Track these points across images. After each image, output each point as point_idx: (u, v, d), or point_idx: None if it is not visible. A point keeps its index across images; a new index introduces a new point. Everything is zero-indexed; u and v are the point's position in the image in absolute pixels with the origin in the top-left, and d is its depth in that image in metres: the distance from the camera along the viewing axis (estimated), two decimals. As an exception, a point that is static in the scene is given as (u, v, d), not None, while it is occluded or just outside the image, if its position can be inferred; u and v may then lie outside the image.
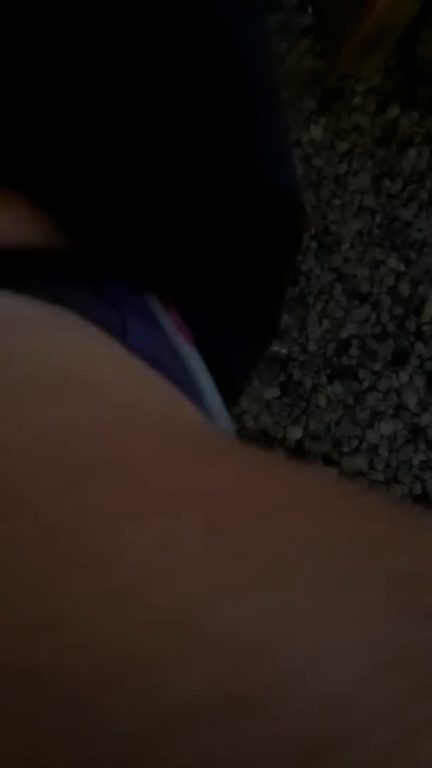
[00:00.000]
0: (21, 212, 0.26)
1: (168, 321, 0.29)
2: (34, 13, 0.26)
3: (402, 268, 1.11)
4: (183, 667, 0.10)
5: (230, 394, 0.31)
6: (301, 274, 1.08)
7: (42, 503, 0.13)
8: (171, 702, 0.10)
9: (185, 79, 0.29)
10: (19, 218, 0.26)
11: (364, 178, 1.12)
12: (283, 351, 1.06)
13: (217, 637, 0.10)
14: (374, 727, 0.09)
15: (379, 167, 1.12)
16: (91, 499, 0.13)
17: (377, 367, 1.09)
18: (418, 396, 1.10)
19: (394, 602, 0.10)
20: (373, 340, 1.10)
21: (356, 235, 1.11)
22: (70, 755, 0.10)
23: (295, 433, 1.06)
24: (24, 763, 0.10)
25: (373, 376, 1.09)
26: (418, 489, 1.06)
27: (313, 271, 1.09)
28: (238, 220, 0.31)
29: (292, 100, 1.10)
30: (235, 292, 0.32)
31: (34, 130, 0.26)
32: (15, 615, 0.11)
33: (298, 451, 1.04)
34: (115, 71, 0.27)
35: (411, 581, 0.11)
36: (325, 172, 1.11)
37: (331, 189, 1.11)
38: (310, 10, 1.08)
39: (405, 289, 1.11)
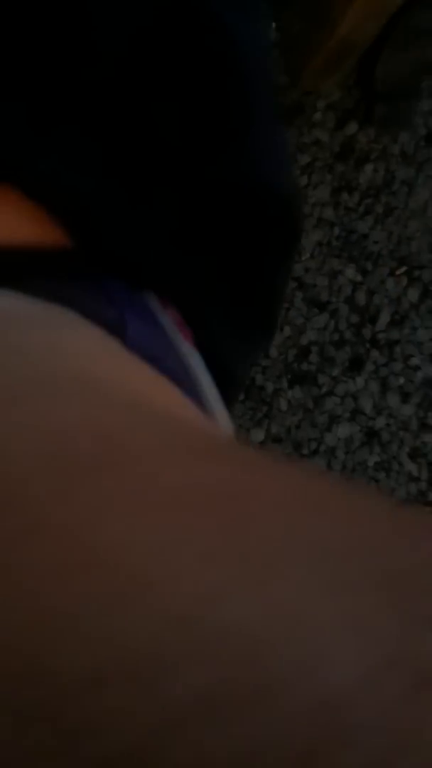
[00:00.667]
0: (20, 211, 0.26)
1: (167, 320, 0.29)
2: (33, 13, 0.26)
3: (359, 278, 1.16)
4: (184, 666, 0.10)
5: (230, 392, 0.31)
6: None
7: (41, 502, 0.13)
8: (172, 701, 0.10)
9: (183, 80, 0.29)
10: (18, 217, 0.26)
11: (324, 191, 1.16)
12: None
13: (217, 636, 0.10)
14: (373, 728, 0.09)
15: (338, 181, 1.17)
16: (90, 498, 0.13)
17: (335, 372, 1.14)
18: (373, 401, 1.15)
19: (393, 602, 0.10)
20: (332, 347, 1.14)
21: (316, 246, 1.15)
22: (70, 754, 0.10)
23: (258, 436, 1.10)
24: (24, 763, 0.10)
25: (331, 381, 1.14)
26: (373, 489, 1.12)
27: (275, 280, 1.12)
28: (237, 220, 0.31)
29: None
30: (234, 291, 0.33)
31: (34, 130, 0.26)
32: (15, 614, 0.11)
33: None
34: (114, 71, 0.28)
35: (410, 580, 0.11)
36: (286, 184, 1.14)
37: (292, 200, 1.14)
38: (273, 26, 1.11)
39: (361, 299, 1.16)
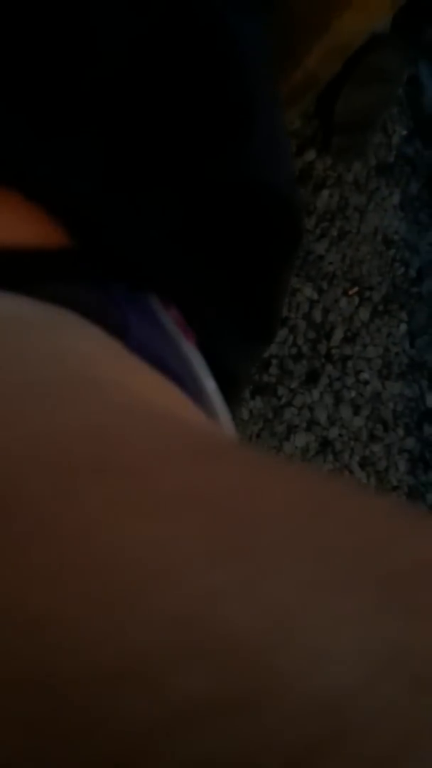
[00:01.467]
0: (22, 213, 0.26)
1: (169, 320, 0.29)
2: (34, 16, 0.26)
3: (315, 296, 1.23)
4: (182, 668, 0.10)
5: (231, 393, 0.31)
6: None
7: (42, 504, 0.13)
8: (171, 702, 0.10)
9: (185, 82, 0.29)
10: (20, 219, 0.26)
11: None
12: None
13: (217, 637, 0.10)
14: (373, 727, 0.09)
15: (297, 204, 1.23)
16: (91, 499, 0.13)
17: (293, 384, 1.20)
18: (327, 412, 1.21)
19: (394, 601, 0.10)
20: (290, 360, 1.20)
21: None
22: (70, 755, 0.10)
23: (221, 444, 1.14)
24: (24, 763, 0.10)
25: (289, 393, 1.19)
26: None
27: (238, 295, 1.17)
28: (238, 221, 0.31)
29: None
30: (235, 292, 0.33)
31: (35, 133, 0.26)
32: (14, 615, 0.11)
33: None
34: (115, 73, 0.27)
35: (410, 580, 0.11)
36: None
37: (255, 221, 1.20)
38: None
39: (317, 316, 1.23)
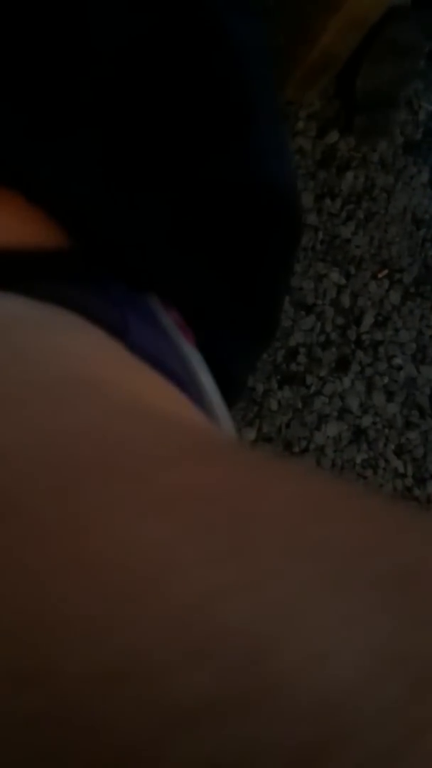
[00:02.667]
0: (22, 215, 0.26)
1: (169, 321, 0.29)
2: (33, 19, 0.27)
3: (343, 281, 1.20)
4: (182, 668, 0.10)
5: (231, 393, 0.31)
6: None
7: (42, 505, 0.13)
8: (172, 701, 0.10)
9: (184, 81, 0.29)
10: (20, 221, 0.26)
11: (307, 198, 1.19)
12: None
13: (217, 636, 0.10)
14: (374, 727, 0.09)
15: (321, 187, 1.21)
16: (91, 500, 0.13)
17: (322, 373, 1.17)
18: (359, 399, 1.18)
19: (393, 601, 0.11)
20: (319, 348, 1.17)
21: (301, 251, 1.18)
22: (73, 755, 0.10)
23: (249, 435, 1.12)
24: (25, 763, 0.10)
25: (318, 382, 1.17)
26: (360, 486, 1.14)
27: (262, 284, 1.15)
28: (238, 220, 0.31)
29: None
30: (235, 292, 0.33)
31: (35, 135, 0.26)
32: (15, 615, 0.11)
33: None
34: (114, 74, 0.28)
35: (410, 580, 0.11)
36: (271, 191, 1.17)
37: (277, 207, 1.17)
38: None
39: (346, 301, 1.20)
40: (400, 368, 1.21)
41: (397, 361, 1.21)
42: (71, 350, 0.20)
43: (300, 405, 1.15)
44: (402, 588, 0.11)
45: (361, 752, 0.09)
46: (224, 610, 0.10)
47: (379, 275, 1.22)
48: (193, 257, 0.30)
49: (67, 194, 0.27)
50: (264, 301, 0.35)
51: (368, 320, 1.20)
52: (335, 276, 1.19)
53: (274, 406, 1.14)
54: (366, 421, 1.18)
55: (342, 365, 1.18)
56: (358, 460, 1.16)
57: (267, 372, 1.15)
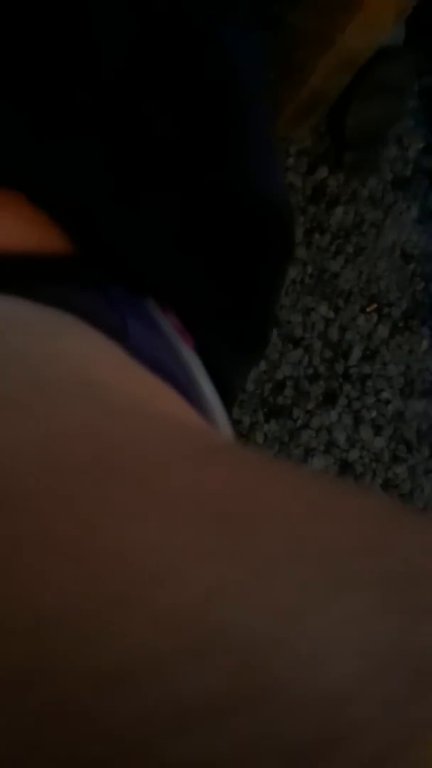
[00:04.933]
0: (23, 217, 0.26)
1: (168, 324, 0.29)
2: (34, 22, 0.27)
3: (331, 315, 1.20)
4: (183, 667, 0.10)
5: (225, 400, 0.31)
6: (240, 319, 1.14)
7: (43, 506, 0.13)
8: (171, 702, 0.10)
9: (181, 88, 0.29)
10: (21, 223, 0.27)
11: (297, 232, 1.20)
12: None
13: (216, 637, 0.10)
14: (372, 727, 0.09)
15: (310, 222, 1.21)
16: (91, 501, 0.13)
17: (309, 406, 1.17)
18: (346, 433, 1.18)
19: (392, 601, 0.11)
20: (306, 381, 1.18)
21: (290, 284, 1.19)
22: (70, 754, 0.10)
23: (235, 469, 1.12)
24: (25, 762, 0.10)
25: (306, 415, 1.17)
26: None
27: (251, 316, 1.15)
28: (233, 228, 0.32)
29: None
30: (230, 299, 0.33)
31: (37, 138, 0.27)
32: (15, 615, 0.11)
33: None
34: (114, 79, 0.28)
35: (409, 580, 0.11)
36: (261, 225, 1.18)
37: (267, 240, 1.18)
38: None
39: (334, 335, 1.20)
40: (387, 402, 1.21)
41: (385, 395, 1.21)
42: (72, 352, 0.20)
43: (287, 438, 1.15)
44: (401, 588, 0.11)
45: (360, 751, 0.09)
46: (224, 610, 0.10)
47: (368, 309, 1.22)
48: (189, 262, 0.31)
49: (71, 197, 0.27)
50: (258, 310, 0.35)
51: (356, 354, 1.20)
52: (324, 310, 1.20)
53: (260, 439, 1.14)
54: (353, 455, 1.18)
55: (329, 399, 1.18)
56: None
57: (254, 405, 1.15)
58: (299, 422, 1.16)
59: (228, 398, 0.33)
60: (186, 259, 0.30)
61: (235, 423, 1.14)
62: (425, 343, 1.24)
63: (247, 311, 0.34)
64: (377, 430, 1.20)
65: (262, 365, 1.16)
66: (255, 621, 0.10)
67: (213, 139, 0.30)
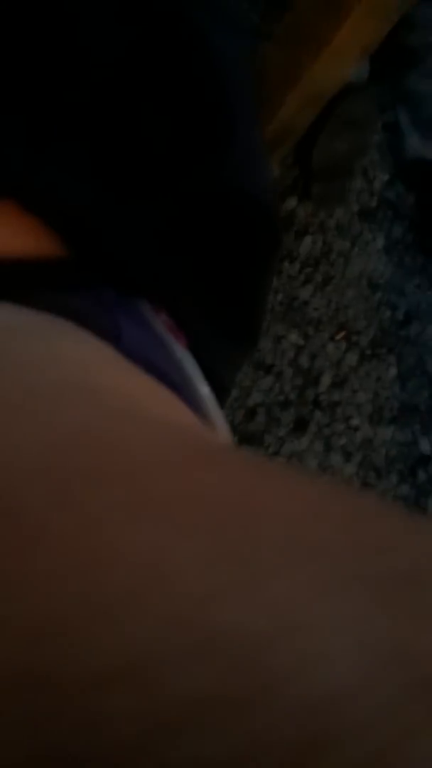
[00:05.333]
0: (13, 221, 0.27)
1: (161, 325, 0.29)
2: (25, 31, 0.27)
3: (301, 342, 1.22)
4: (181, 668, 0.10)
5: (220, 396, 0.31)
6: (212, 347, 1.15)
7: (40, 509, 0.13)
8: (170, 702, 0.10)
9: (170, 95, 0.29)
10: (15, 230, 0.27)
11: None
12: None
13: (214, 638, 0.10)
14: (370, 727, 0.09)
15: (280, 251, 1.23)
16: (88, 504, 0.13)
17: (281, 432, 1.18)
18: (317, 460, 1.19)
19: (389, 602, 0.11)
20: (277, 408, 1.19)
21: (260, 312, 1.20)
22: (70, 755, 0.10)
23: (208, 496, 1.12)
24: (24, 763, 0.10)
25: (277, 441, 1.17)
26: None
27: (222, 344, 1.16)
28: (221, 227, 0.32)
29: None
30: (220, 297, 0.33)
31: (30, 145, 0.27)
32: (14, 616, 0.11)
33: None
34: (104, 85, 0.28)
35: (406, 581, 0.11)
36: (231, 254, 1.20)
37: (237, 269, 1.20)
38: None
39: (304, 362, 1.22)
40: (357, 429, 1.23)
41: (354, 421, 1.23)
42: (67, 356, 0.20)
43: (258, 465, 1.16)
44: (399, 588, 0.11)
45: (357, 752, 0.09)
46: (221, 611, 0.10)
47: (337, 337, 1.24)
48: (181, 262, 0.31)
49: (62, 202, 0.27)
50: (249, 304, 0.36)
51: (326, 381, 1.22)
52: (294, 337, 1.21)
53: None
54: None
55: (300, 425, 1.19)
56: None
57: (226, 432, 1.15)
58: (271, 449, 1.17)
59: (222, 393, 0.33)
60: (176, 258, 0.31)
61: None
62: (393, 371, 1.27)
63: (238, 306, 0.35)
64: (347, 456, 1.21)
65: (234, 392, 1.17)
66: (253, 621, 0.10)
67: (201, 138, 0.31)
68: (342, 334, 1.25)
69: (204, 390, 0.29)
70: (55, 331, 0.22)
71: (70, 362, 0.19)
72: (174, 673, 0.10)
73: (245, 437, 1.16)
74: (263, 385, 1.19)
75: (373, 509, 0.13)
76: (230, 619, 0.10)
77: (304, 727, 0.09)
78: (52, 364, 0.19)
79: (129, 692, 0.10)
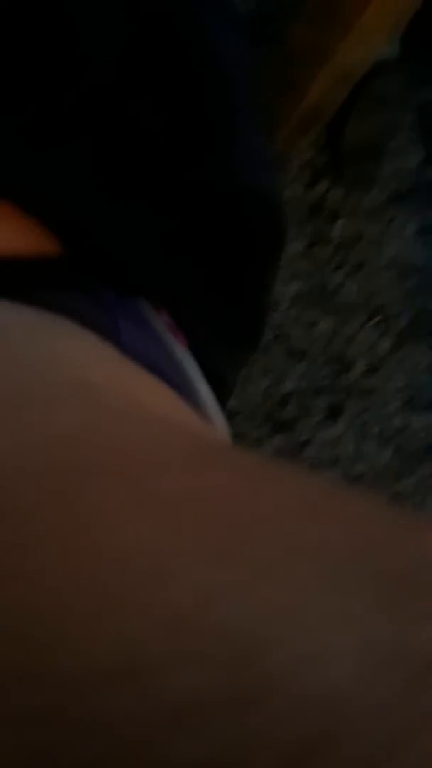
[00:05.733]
0: (15, 223, 0.27)
1: (160, 324, 0.29)
2: (21, 31, 0.27)
3: (334, 328, 1.20)
4: (180, 667, 0.10)
5: (220, 396, 0.31)
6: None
7: (40, 507, 0.13)
8: (169, 702, 0.10)
9: (169, 91, 0.29)
10: (13, 230, 0.27)
11: (298, 245, 1.20)
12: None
13: (213, 637, 0.10)
14: (369, 726, 0.09)
15: (311, 236, 1.22)
16: (85, 503, 0.13)
17: (314, 420, 1.16)
18: (351, 448, 1.17)
19: (389, 602, 0.11)
20: (310, 396, 1.17)
21: (293, 298, 1.19)
22: (69, 755, 0.10)
23: (240, 484, 1.11)
24: (25, 763, 0.10)
25: (310, 429, 1.16)
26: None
27: (253, 331, 1.15)
28: (222, 225, 0.32)
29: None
30: (222, 295, 0.33)
31: (28, 145, 0.27)
32: (13, 615, 0.11)
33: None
34: (103, 85, 0.28)
35: (406, 582, 0.11)
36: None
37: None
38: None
39: (337, 348, 1.20)
40: (391, 416, 1.20)
41: (389, 409, 1.20)
42: (66, 355, 0.20)
43: (292, 453, 1.14)
44: (397, 588, 0.11)
45: (355, 750, 0.09)
46: (220, 610, 0.10)
47: (370, 323, 1.22)
48: (180, 261, 0.30)
49: (60, 203, 0.27)
50: (251, 303, 0.35)
51: (360, 368, 1.20)
52: (326, 323, 1.19)
53: (266, 453, 1.13)
54: (358, 468, 1.17)
55: (334, 413, 1.17)
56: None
57: (259, 419, 1.14)
58: (304, 436, 1.15)
59: (224, 393, 0.33)
60: (176, 258, 0.30)
61: (241, 437, 1.13)
62: (427, 357, 1.24)
63: (239, 306, 0.34)
64: (382, 444, 1.19)
65: (266, 380, 1.16)
66: (252, 621, 0.10)
67: (201, 136, 0.30)
68: (376, 319, 1.22)
69: (203, 389, 0.29)
70: (54, 329, 0.22)
71: (69, 361, 0.19)
72: (171, 671, 0.10)
73: (278, 425, 1.15)
74: (295, 372, 1.17)
75: (373, 509, 0.13)
76: (229, 619, 0.10)
77: (304, 726, 0.09)
78: (50, 362, 0.19)
79: (126, 691, 0.10)
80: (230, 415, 1.18)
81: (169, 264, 0.30)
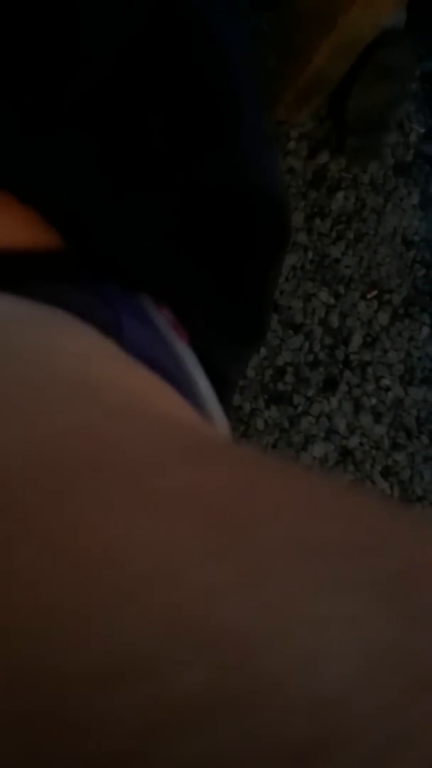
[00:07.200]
0: (15, 215, 0.26)
1: (162, 320, 0.29)
2: (25, 21, 0.27)
3: (332, 301, 1.20)
4: (180, 667, 0.10)
5: (223, 393, 0.31)
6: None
7: (37, 504, 0.13)
8: (168, 702, 0.10)
9: (172, 85, 0.29)
10: (13, 222, 0.26)
11: (297, 218, 1.20)
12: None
13: (213, 636, 0.10)
14: (369, 726, 0.09)
15: (311, 207, 1.21)
16: (86, 500, 0.13)
17: (310, 393, 1.17)
18: (346, 420, 1.18)
19: (390, 602, 0.10)
20: (306, 368, 1.17)
21: (291, 270, 1.18)
22: (68, 755, 0.10)
23: (235, 455, 1.11)
24: (22, 762, 0.10)
25: (306, 402, 1.16)
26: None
27: (251, 302, 1.15)
28: (226, 221, 0.31)
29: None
30: (225, 292, 0.33)
31: (27, 136, 0.26)
32: (9, 615, 0.11)
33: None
34: (105, 77, 0.28)
35: (406, 580, 0.11)
36: (262, 210, 1.17)
37: (267, 226, 1.17)
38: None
39: (334, 321, 1.20)
40: (387, 389, 1.21)
41: (385, 382, 1.21)
42: (67, 350, 0.20)
43: (287, 425, 1.15)
44: (399, 588, 0.11)
45: (355, 752, 0.09)
46: (219, 610, 0.10)
47: (368, 296, 1.22)
48: (183, 257, 0.30)
49: (61, 196, 0.27)
50: (254, 300, 0.35)
51: (357, 341, 1.20)
52: (324, 296, 1.19)
53: (260, 425, 1.13)
54: (353, 442, 1.17)
55: (329, 385, 1.18)
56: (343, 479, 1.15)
57: (254, 391, 1.14)
58: (300, 409, 1.15)
59: (226, 389, 0.33)
60: (179, 253, 0.30)
61: (236, 409, 1.13)
62: (425, 330, 1.24)
63: (243, 302, 0.34)
64: (377, 417, 1.20)
65: (263, 351, 1.16)
66: (250, 620, 0.10)
67: (205, 130, 0.30)
68: (374, 292, 1.22)
69: (203, 386, 0.28)
70: (54, 323, 0.22)
71: (70, 355, 0.19)
72: (171, 672, 0.10)
73: (274, 397, 1.15)
74: (293, 344, 1.17)
75: (373, 507, 0.13)
76: (229, 619, 0.10)
77: (305, 726, 0.09)
78: (51, 357, 0.19)
79: (126, 691, 0.10)
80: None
81: (171, 259, 0.30)
